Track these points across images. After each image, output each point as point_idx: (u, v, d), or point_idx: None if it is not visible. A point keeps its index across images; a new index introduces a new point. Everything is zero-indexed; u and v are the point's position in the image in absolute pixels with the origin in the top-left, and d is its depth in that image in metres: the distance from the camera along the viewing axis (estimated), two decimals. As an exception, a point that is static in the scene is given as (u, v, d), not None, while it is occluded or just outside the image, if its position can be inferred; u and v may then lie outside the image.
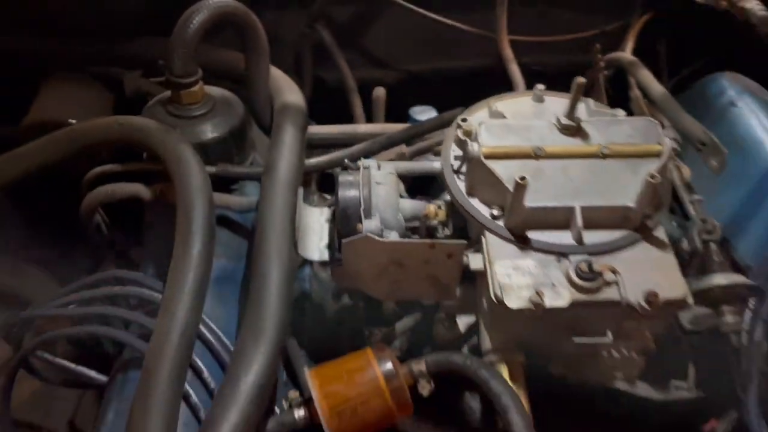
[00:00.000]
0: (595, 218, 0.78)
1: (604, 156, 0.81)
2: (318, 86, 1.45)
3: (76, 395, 1.24)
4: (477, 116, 0.91)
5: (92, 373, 0.94)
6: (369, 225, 0.81)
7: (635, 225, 0.79)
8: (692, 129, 0.96)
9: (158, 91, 1.13)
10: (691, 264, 0.87)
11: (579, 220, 0.77)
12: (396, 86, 1.45)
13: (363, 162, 0.89)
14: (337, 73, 1.40)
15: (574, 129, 0.82)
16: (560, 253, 0.77)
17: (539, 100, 0.93)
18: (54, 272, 1.33)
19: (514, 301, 0.73)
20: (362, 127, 1.16)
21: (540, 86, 0.93)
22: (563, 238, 0.79)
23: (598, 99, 1.23)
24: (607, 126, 0.84)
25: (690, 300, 0.76)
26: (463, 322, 0.88)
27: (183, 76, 0.98)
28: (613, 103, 1.16)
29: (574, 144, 0.82)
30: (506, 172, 0.79)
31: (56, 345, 1.01)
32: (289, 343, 0.92)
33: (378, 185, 0.85)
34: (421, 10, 1.34)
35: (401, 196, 0.91)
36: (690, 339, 0.87)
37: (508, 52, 1.27)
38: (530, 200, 0.77)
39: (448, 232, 0.87)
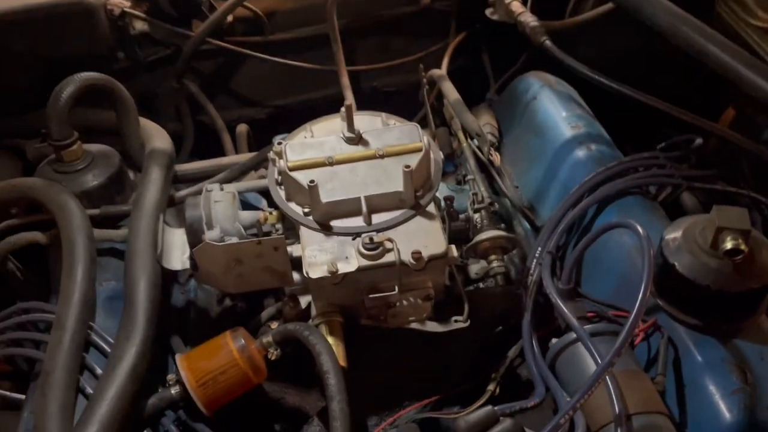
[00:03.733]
0: (379, 204, 1.03)
1: (381, 156, 1.05)
2: (201, 129, 1.68)
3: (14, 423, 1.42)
4: (296, 138, 1.15)
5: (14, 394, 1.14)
6: (210, 234, 1.04)
7: (411, 204, 1.04)
8: (470, 125, 1.21)
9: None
10: (469, 227, 1.12)
11: (364, 207, 1.02)
12: (266, 120, 1.71)
13: (207, 186, 1.12)
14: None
15: (356, 139, 1.07)
16: (354, 233, 1.02)
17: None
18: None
19: (316, 272, 0.97)
20: (225, 160, 1.40)
21: (343, 108, 1.17)
22: (358, 222, 1.03)
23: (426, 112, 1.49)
24: (382, 133, 1.08)
25: (454, 254, 1.01)
26: (305, 300, 1.11)
27: (61, 140, 1.21)
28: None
29: (357, 150, 1.06)
30: (307, 178, 1.03)
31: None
32: (174, 341, 1.14)
33: (216, 203, 1.08)
34: (274, 58, 1.59)
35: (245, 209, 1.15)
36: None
37: (345, 80, 1.52)
38: (326, 197, 1.02)
39: (281, 232, 1.11)
